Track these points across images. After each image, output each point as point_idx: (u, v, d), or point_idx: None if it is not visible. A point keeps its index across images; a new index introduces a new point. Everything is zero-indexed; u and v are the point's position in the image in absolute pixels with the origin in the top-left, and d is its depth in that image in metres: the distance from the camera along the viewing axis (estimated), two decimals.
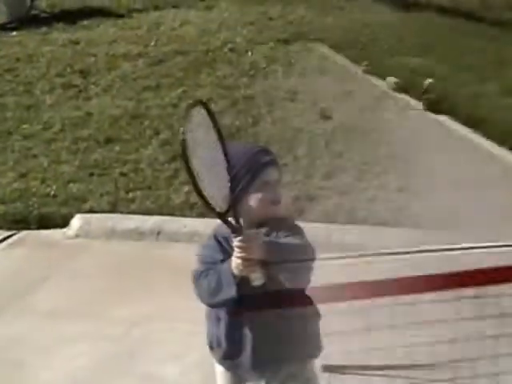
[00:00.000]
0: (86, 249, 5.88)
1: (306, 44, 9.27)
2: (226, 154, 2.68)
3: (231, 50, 9.28)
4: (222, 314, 2.98)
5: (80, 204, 6.29)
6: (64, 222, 6.15)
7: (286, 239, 2.81)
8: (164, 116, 7.74)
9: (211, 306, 2.97)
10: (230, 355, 3.03)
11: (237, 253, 2.66)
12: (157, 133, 7.41)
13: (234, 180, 2.73)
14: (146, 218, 6.07)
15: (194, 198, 6.24)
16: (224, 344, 3.02)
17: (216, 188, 2.63)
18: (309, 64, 8.68)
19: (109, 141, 7.33)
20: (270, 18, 10.45)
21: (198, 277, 2.92)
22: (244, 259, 2.66)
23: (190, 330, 4.77)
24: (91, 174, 6.73)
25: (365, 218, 5.66)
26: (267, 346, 2.95)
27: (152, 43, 9.72)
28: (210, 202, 2.58)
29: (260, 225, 2.85)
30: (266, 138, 7.07)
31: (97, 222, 6.09)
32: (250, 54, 9.05)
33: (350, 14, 10.39)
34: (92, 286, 5.35)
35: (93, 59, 9.30)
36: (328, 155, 6.68)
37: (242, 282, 2.73)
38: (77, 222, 6.12)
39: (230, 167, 2.66)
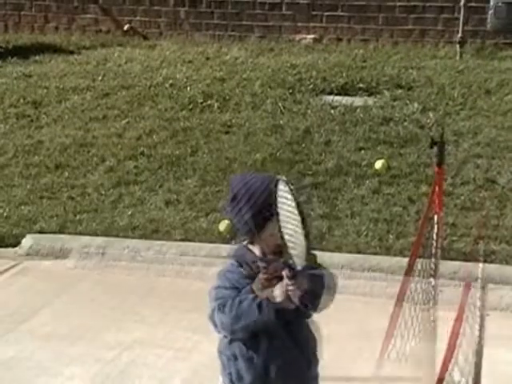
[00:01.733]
0: (37, 266, 5.81)
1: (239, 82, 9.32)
2: (303, 221, 2.58)
3: (172, 85, 9.28)
4: (238, 349, 2.89)
5: (31, 225, 6.21)
6: (16, 242, 6.07)
7: (321, 271, 2.80)
8: (109, 145, 7.70)
9: (238, 332, 2.82)
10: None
11: (287, 283, 2.64)
12: (103, 160, 7.37)
13: (258, 209, 2.73)
14: (93, 238, 6.03)
15: (137, 220, 6.24)
16: (247, 378, 2.90)
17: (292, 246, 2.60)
18: (242, 99, 8.73)
19: (58, 167, 7.27)
20: (207, 58, 10.49)
21: (231, 302, 2.76)
22: (292, 290, 2.65)
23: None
24: (41, 198, 6.66)
25: None
26: (290, 369, 2.88)
27: (99, 78, 9.66)
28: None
29: (276, 253, 2.78)
30: (203, 166, 7.11)
31: (46, 241, 6.02)
32: (188, 89, 9.08)
33: (280, 56, 10.49)
34: (87, 312, 5.25)
35: (44, 91, 9.20)
36: None
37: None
38: (27, 241, 6.05)
39: (307, 234, 2.58)
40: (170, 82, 9.38)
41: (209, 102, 8.75)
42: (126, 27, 11.88)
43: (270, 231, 2.75)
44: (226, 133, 7.96)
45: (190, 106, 8.66)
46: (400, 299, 2.74)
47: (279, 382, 2.88)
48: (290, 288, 2.65)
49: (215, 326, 2.85)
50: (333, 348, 4.52)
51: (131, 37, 11.76)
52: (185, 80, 9.46)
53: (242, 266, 2.84)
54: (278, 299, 2.68)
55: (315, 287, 2.72)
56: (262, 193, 2.77)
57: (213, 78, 9.53)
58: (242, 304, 2.73)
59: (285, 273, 2.65)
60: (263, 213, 2.75)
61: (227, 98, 8.84)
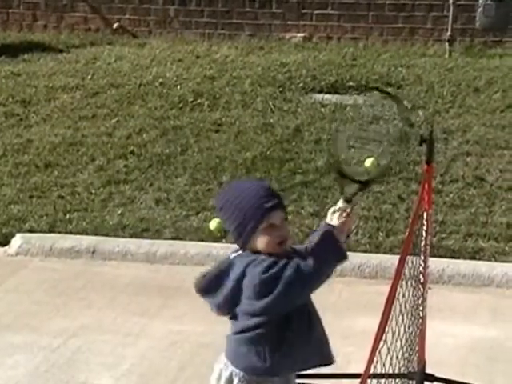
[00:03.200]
0: (27, 266, 5.82)
1: (229, 80, 9.35)
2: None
3: (162, 84, 9.30)
4: (266, 331, 2.87)
5: (20, 224, 6.22)
6: (5, 241, 6.08)
7: None
8: (99, 144, 7.70)
9: (320, 281, 2.80)
10: (278, 366, 2.93)
11: (341, 218, 2.83)
12: (92, 159, 7.38)
13: (242, 221, 2.77)
14: (82, 237, 6.04)
15: (127, 219, 6.25)
16: (269, 359, 2.90)
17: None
18: (232, 98, 8.76)
19: (48, 166, 7.26)
20: (197, 56, 10.51)
21: (297, 266, 2.74)
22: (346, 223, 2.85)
23: (123, 341, 4.80)
24: (31, 197, 6.66)
25: None
26: (314, 345, 2.95)
27: (88, 76, 9.66)
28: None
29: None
30: (193, 165, 7.13)
31: (36, 241, 6.03)
32: (178, 87, 9.10)
33: (270, 54, 10.52)
34: (31, 299, 5.31)
35: (33, 90, 9.19)
36: None
37: None
38: (17, 240, 6.05)
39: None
40: (160, 80, 9.40)
41: (199, 100, 8.77)
42: (115, 26, 11.88)
43: (257, 240, 2.81)
44: (217, 131, 7.98)
45: (180, 105, 8.68)
46: (391, 296, 2.77)
47: (300, 360, 2.94)
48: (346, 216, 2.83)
49: (289, 297, 2.75)
50: None
51: (120, 35, 11.76)
52: (175, 79, 9.48)
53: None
54: (339, 221, 2.84)
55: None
56: (247, 204, 2.81)
57: (203, 76, 9.55)
58: (323, 248, 2.79)
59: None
60: (247, 225, 2.80)
61: (217, 96, 8.87)
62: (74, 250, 5.94)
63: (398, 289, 2.95)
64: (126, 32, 11.84)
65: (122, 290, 5.44)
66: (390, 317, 2.76)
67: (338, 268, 5.46)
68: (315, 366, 3.06)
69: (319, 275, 2.76)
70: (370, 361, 2.32)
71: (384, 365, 2.83)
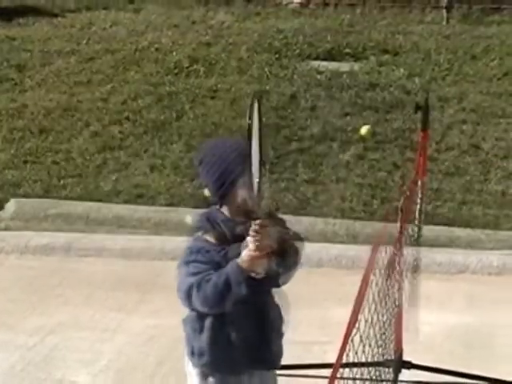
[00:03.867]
0: (2, 263, 5.71)
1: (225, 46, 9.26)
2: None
3: (157, 49, 9.21)
4: (207, 323, 2.84)
5: (15, 189, 6.19)
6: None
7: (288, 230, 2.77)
8: (94, 109, 7.65)
9: (214, 310, 2.75)
10: (213, 362, 2.90)
11: (251, 241, 2.58)
12: (87, 125, 7.33)
13: (224, 171, 2.72)
14: (59, 234, 5.88)
15: (121, 185, 6.22)
16: (208, 353, 2.88)
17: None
18: (228, 64, 8.69)
19: (42, 131, 7.23)
20: (193, 22, 10.40)
21: (198, 284, 2.68)
22: (257, 249, 2.58)
23: (100, 337, 4.70)
24: (25, 162, 6.63)
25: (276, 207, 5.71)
26: (252, 349, 2.86)
27: (84, 41, 9.56)
28: None
29: (244, 216, 2.73)
30: (189, 131, 7.09)
31: (30, 206, 5.99)
32: (174, 53, 9.01)
33: (266, 20, 10.42)
34: (7, 297, 5.19)
35: (28, 55, 9.10)
36: None
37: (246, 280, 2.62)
38: (11, 205, 6.02)
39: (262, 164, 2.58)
40: (156, 46, 9.30)
41: (194, 66, 8.69)
42: None
43: (237, 194, 2.75)
44: (212, 98, 7.92)
45: (176, 71, 8.60)
46: (364, 284, 2.69)
47: (242, 356, 2.86)
48: (254, 240, 2.56)
49: (189, 301, 2.73)
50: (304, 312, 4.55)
51: (116, 0, 11.62)
52: (170, 44, 9.38)
53: (212, 229, 2.80)
54: (246, 262, 2.60)
55: (285, 244, 2.68)
56: (228, 156, 2.78)
57: (198, 42, 9.45)
58: (221, 281, 2.65)
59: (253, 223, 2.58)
60: (229, 175, 2.75)
61: (213, 62, 8.78)
62: (49, 246, 5.80)
63: (372, 277, 2.87)
64: None
65: (98, 286, 5.31)
66: (363, 305, 2.70)
67: (316, 259, 5.45)
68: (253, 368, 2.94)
69: (212, 303, 2.69)
70: (343, 349, 2.27)
71: (356, 353, 2.78)
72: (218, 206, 2.88)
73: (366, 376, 3.05)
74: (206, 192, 2.91)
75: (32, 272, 5.54)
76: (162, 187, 6.17)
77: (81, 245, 5.78)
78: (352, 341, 2.51)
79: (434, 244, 5.45)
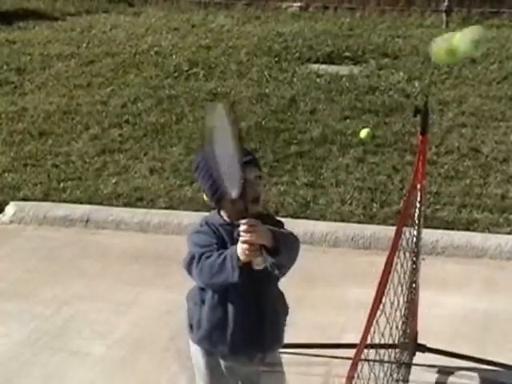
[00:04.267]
0: (20, 234, 5.79)
1: (225, 49, 9.27)
2: (240, 148, 2.61)
3: (157, 53, 9.21)
4: (208, 296, 2.95)
5: (15, 192, 6.18)
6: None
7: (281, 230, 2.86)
8: (94, 112, 7.64)
9: (208, 286, 2.90)
10: (209, 337, 2.99)
11: (243, 237, 2.66)
12: (87, 128, 7.32)
13: (219, 176, 2.73)
14: (76, 206, 6.01)
15: (121, 188, 6.21)
16: (205, 326, 2.98)
17: (228, 178, 2.65)
18: (228, 67, 8.69)
19: (42, 134, 7.21)
20: (193, 25, 10.41)
21: (198, 258, 2.83)
22: (249, 244, 2.65)
23: (116, 309, 4.79)
24: (25, 165, 6.62)
25: (276, 210, 5.70)
26: (246, 330, 2.94)
27: (84, 45, 9.58)
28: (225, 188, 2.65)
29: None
30: (188, 134, 7.08)
31: (30, 209, 5.99)
32: (173, 56, 9.01)
33: (266, 24, 10.42)
34: (25, 267, 5.29)
35: (28, 58, 9.12)
36: None
37: (242, 267, 2.72)
38: (11, 208, 6.02)
39: (240, 160, 2.59)
40: (156, 49, 9.32)
41: (194, 69, 8.69)
42: None
43: (230, 199, 2.78)
44: (212, 101, 7.90)
45: (176, 74, 8.60)
46: (388, 266, 2.73)
47: (237, 335, 2.94)
48: (244, 240, 2.64)
49: (188, 270, 2.91)
50: (313, 313, 4.58)
51: (116, 3, 11.64)
52: (170, 47, 9.40)
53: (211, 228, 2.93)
54: (241, 256, 2.68)
55: (276, 242, 2.72)
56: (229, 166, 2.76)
57: (198, 45, 9.47)
58: (218, 261, 2.76)
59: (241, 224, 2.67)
60: (221, 181, 2.76)
61: (213, 65, 8.79)
62: (67, 218, 5.90)
63: (395, 259, 2.91)
64: (121, 0, 11.72)
65: (115, 259, 5.42)
66: (387, 287, 2.73)
67: (332, 238, 5.54)
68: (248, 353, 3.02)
69: (207, 279, 2.82)
70: (367, 331, 2.29)
71: (383, 334, 2.81)
72: (216, 210, 2.98)
73: (386, 358, 3.09)
74: (205, 196, 2.96)
75: (50, 243, 5.62)
76: (161, 190, 6.16)
77: (99, 217, 5.85)
78: (377, 322, 2.53)
79: (434, 247, 5.45)
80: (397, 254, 3.04)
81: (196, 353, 3.11)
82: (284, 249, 2.74)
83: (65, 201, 6.08)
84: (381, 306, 2.67)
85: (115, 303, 4.85)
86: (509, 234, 5.57)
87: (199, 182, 3.01)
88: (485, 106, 7.56)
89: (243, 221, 2.66)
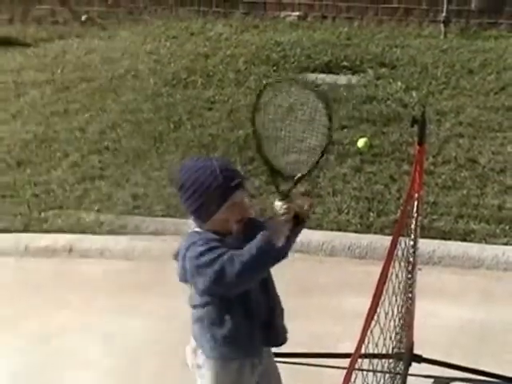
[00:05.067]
0: (1, 266, 5.68)
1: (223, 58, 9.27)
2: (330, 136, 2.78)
3: (134, 76, 9.02)
4: (230, 312, 2.90)
5: None
6: None
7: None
8: (72, 139, 7.45)
9: (249, 281, 2.78)
10: (234, 342, 2.96)
11: (282, 215, 2.70)
12: (66, 155, 7.15)
13: (206, 200, 2.75)
14: (58, 236, 5.88)
15: (104, 216, 6.08)
16: (232, 340, 2.94)
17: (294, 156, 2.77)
18: (226, 76, 8.68)
19: (20, 163, 7.05)
20: (192, 33, 10.40)
21: (230, 259, 2.70)
22: (287, 220, 2.69)
23: (102, 340, 4.69)
24: (4, 196, 6.48)
25: None
26: (265, 324, 2.97)
27: (58, 71, 9.31)
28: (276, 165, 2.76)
29: (226, 234, 2.84)
30: (186, 142, 7.06)
31: (11, 240, 5.87)
32: (172, 64, 8.97)
33: (264, 33, 10.43)
34: (7, 300, 5.17)
35: (2, 86, 8.93)
36: (240, 160, 6.70)
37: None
38: None
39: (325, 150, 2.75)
40: (132, 73, 9.08)
41: (192, 77, 8.69)
42: (83, 18, 11.56)
43: (217, 219, 2.81)
44: (210, 109, 7.91)
45: (174, 82, 8.59)
46: (383, 276, 2.73)
47: (258, 336, 2.97)
48: (286, 211, 2.70)
49: (220, 286, 2.73)
50: (309, 324, 4.57)
51: (89, 28, 11.44)
52: (169, 55, 9.38)
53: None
54: (282, 225, 2.69)
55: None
56: (210, 186, 2.79)
57: (197, 53, 9.46)
58: (254, 249, 2.68)
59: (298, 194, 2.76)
60: (210, 206, 2.79)
61: (211, 74, 8.79)
62: (49, 248, 5.77)
63: (390, 269, 2.91)
64: (94, 24, 11.55)
65: (100, 289, 5.30)
66: (382, 297, 2.73)
67: (329, 247, 5.54)
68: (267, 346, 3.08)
69: (248, 272, 2.71)
70: (361, 341, 2.29)
71: (377, 344, 2.81)
72: (200, 228, 2.90)
73: (379, 368, 3.09)
74: (192, 215, 2.91)
75: (32, 275, 5.51)
76: (145, 216, 6.05)
77: (82, 246, 5.75)
78: (371, 333, 2.54)
79: (431, 257, 5.45)
80: (392, 264, 3.03)
81: (212, 372, 3.03)
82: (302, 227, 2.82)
83: (46, 231, 5.95)
84: (375, 317, 2.67)
85: (101, 334, 4.73)
86: (505, 244, 5.58)
87: (183, 202, 2.89)
88: (482, 116, 7.57)
89: (280, 202, 2.72)
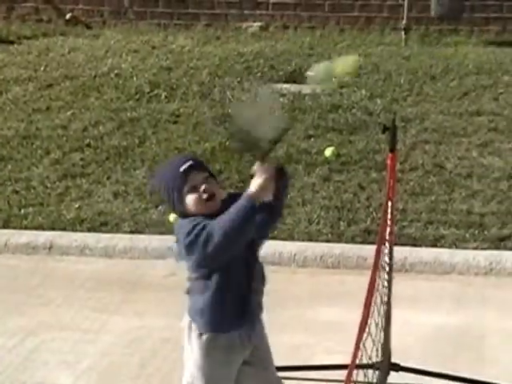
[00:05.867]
0: None
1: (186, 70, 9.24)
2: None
3: (117, 75, 9.14)
4: (214, 280, 3.06)
5: None
6: None
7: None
8: (54, 137, 7.52)
9: (236, 245, 2.94)
10: (217, 316, 3.12)
11: (258, 175, 2.93)
12: (47, 152, 7.21)
13: (169, 191, 3.05)
14: (39, 232, 5.89)
15: (84, 213, 6.12)
16: (213, 307, 3.09)
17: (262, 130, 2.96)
18: (190, 89, 8.65)
19: (1, 160, 7.09)
20: (153, 47, 10.36)
21: (213, 227, 2.89)
22: (266, 180, 2.92)
23: (83, 337, 4.69)
24: None
25: None
26: (247, 301, 3.13)
27: (42, 68, 9.45)
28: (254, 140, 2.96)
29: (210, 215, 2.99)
30: (151, 157, 7.03)
31: None
32: (134, 79, 8.95)
33: (226, 44, 10.42)
34: None
35: None
36: None
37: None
38: None
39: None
40: (116, 71, 9.23)
41: (156, 91, 8.64)
42: (68, 16, 11.63)
43: (188, 204, 3.04)
44: (175, 122, 7.87)
45: (137, 96, 8.53)
46: (371, 287, 2.72)
47: (237, 310, 3.12)
48: (260, 176, 2.91)
49: (206, 254, 2.89)
50: (284, 336, 4.54)
51: (74, 26, 11.53)
52: (131, 70, 9.33)
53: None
54: (255, 190, 2.90)
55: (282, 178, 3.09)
56: (166, 175, 3.10)
57: (159, 67, 9.42)
58: (233, 212, 2.89)
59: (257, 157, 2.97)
60: (174, 194, 3.05)
61: (174, 87, 8.74)
62: (30, 245, 5.81)
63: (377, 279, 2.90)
64: (79, 23, 11.61)
65: (80, 286, 5.31)
66: (371, 308, 2.72)
67: (301, 258, 5.52)
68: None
69: (234, 230, 2.88)
70: (355, 354, 2.26)
71: (370, 357, 2.80)
72: (182, 217, 3.11)
73: (359, 378, 3.08)
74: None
75: (12, 271, 5.51)
76: (126, 214, 6.09)
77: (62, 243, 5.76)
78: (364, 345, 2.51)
79: (403, 264, 5.46)
80: (378, 273, 3.02)
81: (201, 348, 3.16)
82: (286, 178, 3.13)
83: (26, 227, 5.98)
84: (368, 328, 2.64)
85: (82, 331, 4.76)
86: (475, 249, 5.61)
87: (165, 200, 3.17)
88: (446, 122, 7.62)
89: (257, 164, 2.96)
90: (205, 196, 3.03)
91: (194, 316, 3.18)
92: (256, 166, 2.99)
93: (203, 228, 2.91)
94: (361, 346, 2.29)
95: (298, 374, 4.15)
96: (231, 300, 3.10)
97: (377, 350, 2.74)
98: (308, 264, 5.53)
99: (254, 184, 2.94)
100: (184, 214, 3.08)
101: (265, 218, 3.08)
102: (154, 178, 3.32)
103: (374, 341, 2.71)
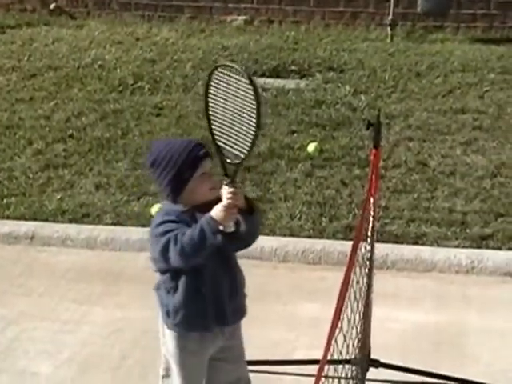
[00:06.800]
0: None
1: (170, 63, 9.23)
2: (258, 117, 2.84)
3: (101, 66, 9.12)
4: (182, 281, 3.05)
5: None
6: None
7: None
8: (37, 127, 7.52)
9: (192, 261, 2.94)
10: (188, 318, 3.10)
11: (226, 199, 2.88)
12: (30, 143, 7.20)
13: (177, 172, 2.97)
14: (21, 223, 5.89)
15: (66, 204, 6.12)
16: (183, 308, 3.08)
17: (233, 142, 2.90)
18: (173, 81, 8.65)
19: None
20: (137, 39, 10.34)
21: (174, 238, 2.90)
22: (232, 206, 2.88)
23: (63, 328, 4.70)
24: None
25: None
26: (221, 304, 3.11)
27: (25, 58, 9.44)
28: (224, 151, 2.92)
29: (203, 206, 2.99)
30: (134, 149, 7.02)
31: None
32: (118, 70, 8.93)
33: (211, 37, 10.41)
34: None
35: None
36: None
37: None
38: None
39: (258, 129, 2.85)
40: (99, 63, 9.23)
41: (139, 83, 8.63)
42: (52, 6, 11.61)
43: (191, 188, 3.02)
44: (158, 115, 7.87)
45: (120, 88, 8.53)
46: (345, 284, 2.73)
47: (213, 310, 3.11)
48: (227, 200, 2.87)
49: (165, 257, 2.93)
50: (264, 330, 4.56)
51: (58, 16, 11.50)
52: (114, 61, 9.32)
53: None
54: (220, 215, 2.88)
55: (251, 209, 3.01)
56: (180, 155, 3.01)
57: (143, 59, 9.41)
58: (196, 232, 2.88)
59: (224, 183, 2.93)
60: (183, 174, 3.00)
61: (158, 79, 8.74)
62: (11, 235, 5.80)
63: (352, 276, 2.92)
64: (63, 13, 11.58)
65: (61, 277, 5.32)
66: (345, 303, 2.74)
67: (282, 253, 5.54)
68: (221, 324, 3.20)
69: (189, 253, 2.90)
70: (327, 348, 2.28)
71: (341, 352, 2.82)
72: (171, 202, 3.08)
73: (339, 374, 3.11)
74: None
75: None
76: (107, 206, 6.08)
77: (44, 234, 5.76)
78: (336, 341, 2.55)
79: (384, 261, 5.49)
80: (353, 269, 3.04)
81: (174, 339, 3.17)
82: (256, 215, 3.03)
83: (8, 217, 5.97)
84: (340, 324, 2.66)
85: (62, 322, 4.78)
86: (457, 247, 5.64)
87: (156, 178, 3.08)
88: (431, 119, 7.67)
89: (225, 186, 2.91)
90: (210, 186, 3.04)
91: (163, 314, 3.19)
92: (224, 190, 2.95)
93: (170, 231, 2.93)
94: (332, 341, 2.30)
95: (279, 369, 4.18)
96: (203, 302, 3.09)
97: (347, 347, 2.76)
98: (289, 259, 5.54)
99: (216, 210, 2.91)
100: (174, 199, 3.05)
101: (228, 244, 3.05)
102: (154, 154, 3.08)
103: (345, 336, 2.74)
